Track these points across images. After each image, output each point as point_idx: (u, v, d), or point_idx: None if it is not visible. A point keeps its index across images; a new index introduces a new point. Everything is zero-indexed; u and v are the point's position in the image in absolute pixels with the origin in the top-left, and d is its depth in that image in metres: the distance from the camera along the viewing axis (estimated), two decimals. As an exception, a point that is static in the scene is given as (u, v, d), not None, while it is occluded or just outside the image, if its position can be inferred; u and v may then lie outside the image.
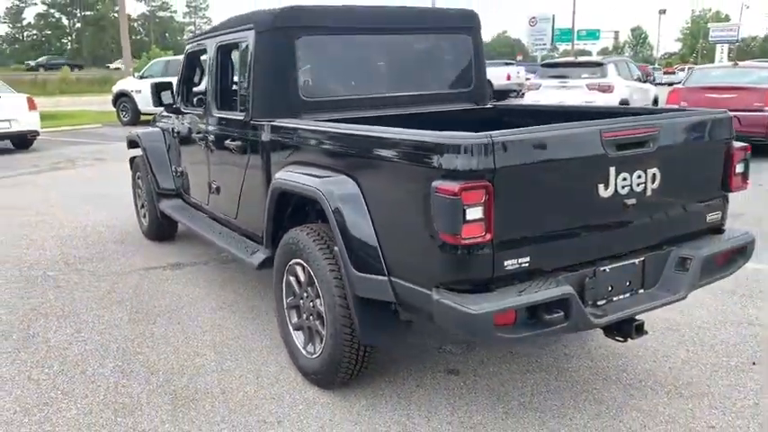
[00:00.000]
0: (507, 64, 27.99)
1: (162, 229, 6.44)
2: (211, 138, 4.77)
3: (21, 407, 3.45)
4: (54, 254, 6.31)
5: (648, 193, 3.01)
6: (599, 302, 2.98)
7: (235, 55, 4.71)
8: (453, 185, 2.49)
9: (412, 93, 4.47)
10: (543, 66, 14.00)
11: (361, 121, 3.90)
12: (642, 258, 3.10)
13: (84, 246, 6.59)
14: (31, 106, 13.86)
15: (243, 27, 4.27)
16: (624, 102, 12.95)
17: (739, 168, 3.37)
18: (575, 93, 12.75)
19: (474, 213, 2.51)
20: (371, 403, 3.42)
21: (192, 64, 5.54)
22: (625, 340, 3.15)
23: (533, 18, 35.69)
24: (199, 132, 5.02)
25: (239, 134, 4.29)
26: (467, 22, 4.62)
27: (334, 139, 3.35)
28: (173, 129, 5.75)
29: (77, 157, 13.32)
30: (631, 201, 2.95)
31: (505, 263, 2.65)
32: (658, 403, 3.37)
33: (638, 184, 2.97)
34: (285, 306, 3.75)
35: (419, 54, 4.57)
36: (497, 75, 23.11)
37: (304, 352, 3.61)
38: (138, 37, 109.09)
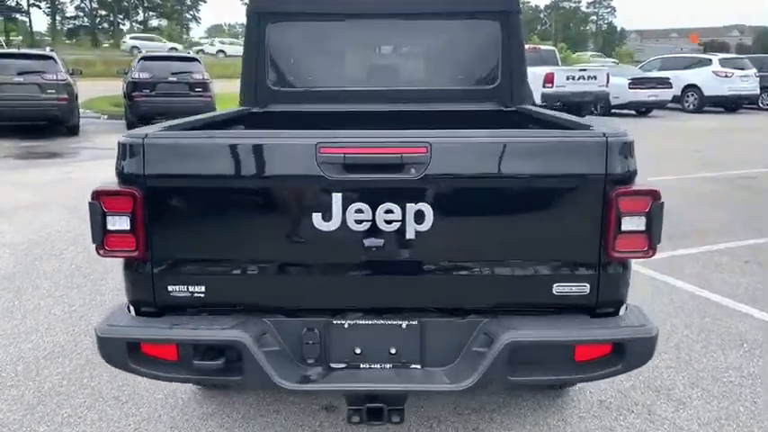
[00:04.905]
0: None
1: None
2: None
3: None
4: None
5: (410, 236, 2.18)
6: (334, 364, 2.30)
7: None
8: (94, 190, 2.24)
9: (406, 87, 3.90)
10: None
11: (324, 117, 3.64)
12: (416, 322, 2.28)
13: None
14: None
15: None
16: None
17: (631, 224, 2.17)
18: None
19: (118, 223, 2.21)
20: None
21: None
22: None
23: None
24: None
25: None
26: (495, 5, 3.79)
27: None
28: None
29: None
30: (375, 242, 2.19)
31: (170, 288, 2.27)
32: None
33: (389, 222, 2.18)
34: None
35: (423, 43, 3.93)
36: None
37: None
38: (543, 27, 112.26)
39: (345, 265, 2.28)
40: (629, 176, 2.19)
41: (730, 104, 21.36)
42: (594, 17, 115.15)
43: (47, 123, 13.68)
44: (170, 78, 14.75)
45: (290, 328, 2.29)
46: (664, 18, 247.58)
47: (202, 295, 2.27)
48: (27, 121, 13.55)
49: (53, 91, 13.17)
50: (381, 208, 2.17)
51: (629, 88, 19.37)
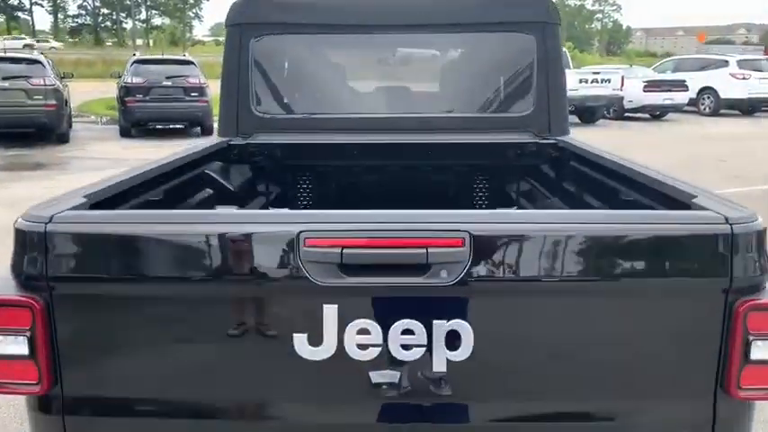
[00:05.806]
0: None
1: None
2: None
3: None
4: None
5: (440, 367, 1.49)
6: None
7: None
8: None
9: (419, 114, 3.22)
10: None
11: (319, 151, 2.96)
12: None
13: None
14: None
15: None
16: None
17: (765, 351, 1.48)
18: None
19: (11, 345, 1.52)
20: None
21: None
22: None
23: None
24: None
25: None
26: (529, 15, 3.10)
27: None
28: None
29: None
30: (388, 376, 1.50)
31: None
32: None
33: (408, 348, 1.48)
34: None
35: (442, 60, 3.26)
36: None
37: None
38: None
39: (343, 409, 1.58)
40: (762, 281, 1.50)
41: (747, 107, 20.57)
42: (600, 15, 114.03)
43: (35, 131, 13.02)
44: (164, 83, 14.07)
45: None
46: (669, 16, 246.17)
47: None
48: (13, 129, 12.83)
49: (40, 97, 12.43)
50: (396, 327, 1.48)
51: (644, 91, 18.62)
